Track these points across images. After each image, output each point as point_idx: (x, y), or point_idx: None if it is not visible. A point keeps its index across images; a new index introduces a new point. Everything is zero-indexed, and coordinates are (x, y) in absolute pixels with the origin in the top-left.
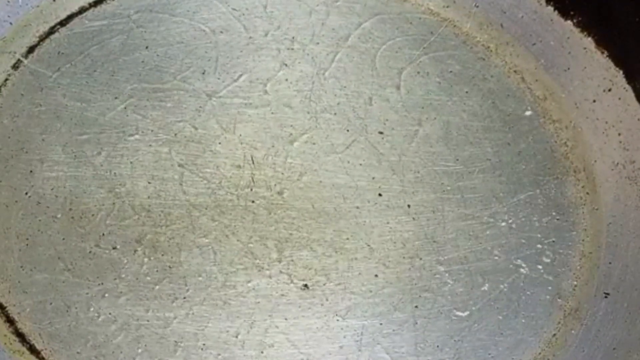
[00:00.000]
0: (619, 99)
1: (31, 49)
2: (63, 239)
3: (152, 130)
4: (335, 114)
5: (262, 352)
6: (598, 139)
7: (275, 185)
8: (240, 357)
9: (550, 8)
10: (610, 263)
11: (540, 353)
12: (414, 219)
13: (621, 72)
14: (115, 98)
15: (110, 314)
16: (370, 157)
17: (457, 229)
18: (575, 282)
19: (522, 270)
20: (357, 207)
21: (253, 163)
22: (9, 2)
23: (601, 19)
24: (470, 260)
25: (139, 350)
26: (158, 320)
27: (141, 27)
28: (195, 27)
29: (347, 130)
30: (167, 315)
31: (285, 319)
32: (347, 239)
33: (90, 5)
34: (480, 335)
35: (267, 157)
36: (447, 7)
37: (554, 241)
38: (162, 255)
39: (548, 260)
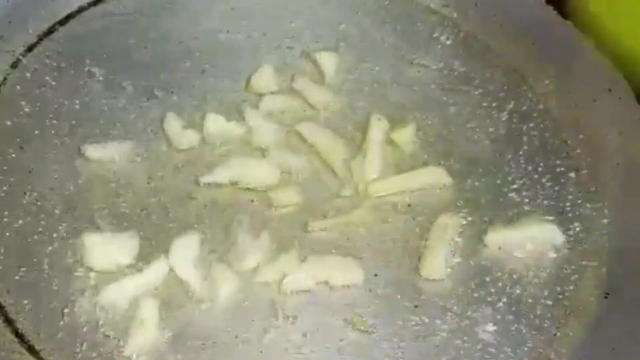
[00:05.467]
0: (619, 99)
1: (30, 48)
2: (62, 238)
3: (151, 130)
4: (334, 112)
5: (261, 352)
6: (598, 139)
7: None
8: (240, 357)
9: (550, 8)
10: (610, 263)
11: (540, 353)
12: (414, 218)
13: (621, 72)
14: (114, 97)
15: (109, 313)
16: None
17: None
18: (575, 282)
19: (522, 270)
20: (358, 207)
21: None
22: (8, 1)
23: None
24: (470, 259)
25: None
26: (158, 320)
27: (140, 27)
28: (195, 26)
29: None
30: (167, 315)
31: (285, 319)
32: (347, 238)
33: (90, 5)
34: (480, 335)
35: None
36: (447, 6)
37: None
38: (162, 254)
39: (548, 260)
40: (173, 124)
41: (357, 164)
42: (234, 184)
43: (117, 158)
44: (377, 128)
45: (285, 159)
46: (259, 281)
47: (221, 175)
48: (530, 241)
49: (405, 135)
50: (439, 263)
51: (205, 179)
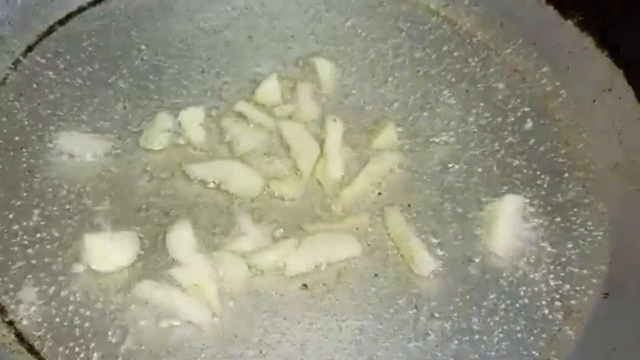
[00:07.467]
0: (619, 99)
1: (30, 48)
2: (62, 238)
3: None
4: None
5: (261, 352)
6: (598, 139)
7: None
8: (240, 357)
9: (550, 8)
10: (610, 263)
11: (540, 353)
12: (414, 218)
13: (621, 72)
14: (114, 97)
15: (110, 313)
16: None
17: (457, 229)
18: (575, 283)
19: (522, 270)
20: (357, 206)
21: (253, 162)
22: (8, 1)
23: (601, 19)
24: (470, 260)
25: (139, 350)
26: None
27: (140, 26)
28: (195, 26)
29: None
30: (167, 315)
31: (285, 319)
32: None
33: (89, 5)
34: (480, 335)
35: (266, 156)
36: (447, 6)
37: (554, 241)
38: (162, 254)
39: (548, 260)
40: (166, 122)
41: (320, 169)
42: (217, 185)
43: (117, 157)
44: (333, 130)
45: (271, 166)
46: (256, 266)
47: (205, 173)
48: (506, 218)
49: (394, 137)
50: (422, 257)
51: (189, 169)
